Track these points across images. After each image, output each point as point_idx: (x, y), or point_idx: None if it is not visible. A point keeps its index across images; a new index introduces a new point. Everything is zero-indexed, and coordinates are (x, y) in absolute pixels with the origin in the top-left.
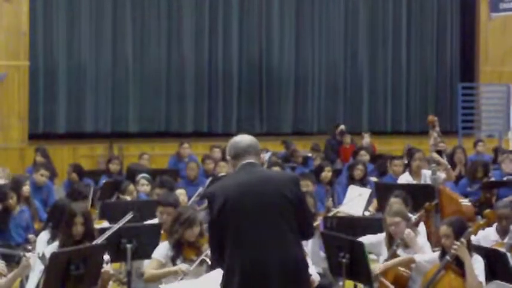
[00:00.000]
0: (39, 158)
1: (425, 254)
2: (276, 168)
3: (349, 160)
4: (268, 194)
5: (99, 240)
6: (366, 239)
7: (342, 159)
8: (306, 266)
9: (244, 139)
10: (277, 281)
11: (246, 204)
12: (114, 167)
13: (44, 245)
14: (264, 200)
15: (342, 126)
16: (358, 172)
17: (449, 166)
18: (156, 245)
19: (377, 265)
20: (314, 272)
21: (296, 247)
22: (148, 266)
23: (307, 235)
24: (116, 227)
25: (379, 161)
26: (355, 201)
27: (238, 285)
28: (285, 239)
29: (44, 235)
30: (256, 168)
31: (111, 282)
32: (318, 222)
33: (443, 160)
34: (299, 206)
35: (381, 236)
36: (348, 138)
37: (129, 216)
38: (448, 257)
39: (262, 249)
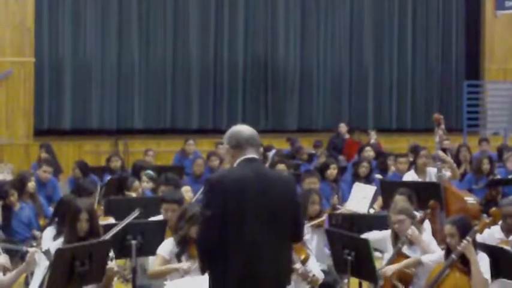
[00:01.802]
0: (44, 154)
1: (431, 254)
2: (282, 166)
3: (353, 157)
4: (274, 196)
5: (105, 238)
6: (372, 235)
7: (346, 156)
8: (291, 270)
9: (246, 130)
10: (270, 284)
11: (252, 204)
12: (114, 164)
13: (50, 241)
14: (270, 202)
15: (342, 125)
16: (363, 169)
17: (454, 164)
18: (161, 241)
19: (388, 268)
20: (318, 269)
21: (289, 251)
22: (153, 262)
23: (298, 237)
24: (122, 224)
25: (380, 159)
26: (360, 199)
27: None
28: (282, 243)
29: (50, 231)
30: (259, 165)
31: (115, 279)
32: (323, 219)
33: (449, 158)
34: (296, 208)
35: (387, 233)
36: (356, 136)
37: (136, 213)
38: (453, 256)
39: (260, 253)
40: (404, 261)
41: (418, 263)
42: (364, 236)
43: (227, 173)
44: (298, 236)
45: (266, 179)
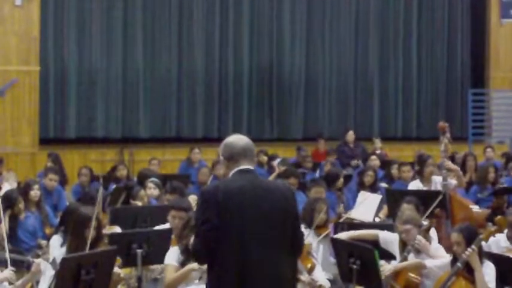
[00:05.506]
0: (49, 164)
1: (437, 260)
2: (292, 180)
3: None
4: (270, 206)
5: None
6: (383, 234)
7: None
8: (297, 280)
9: (240, 141)
10: None
11: (248, 215)
12: (120, 172)
13: (58, 249)
14: (267, 212)
15: (351, 133)
16: (368, 178)
17: (460, 172)
18: (166, 250)
19: (386, 267)
20: (324, 278)
21: (291, 261)
22: (166, 274)
23: (298, 250)
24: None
25: (387, 168)
26: (366, 208)
27: None
28: (282, 253)
29: (56, 239)
30: (256, 177)
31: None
32: (329, 230)
33: (455, 166)
34: (296, 220)
35: (397, 236)
36: (321, 145)
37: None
38: (459, 264)
39: (259, 264)
40: (407, 262)
41: (421, 266)
42: (375, 232)
43: (221, 184)
44: (298, 246)
45: (262, 189)
